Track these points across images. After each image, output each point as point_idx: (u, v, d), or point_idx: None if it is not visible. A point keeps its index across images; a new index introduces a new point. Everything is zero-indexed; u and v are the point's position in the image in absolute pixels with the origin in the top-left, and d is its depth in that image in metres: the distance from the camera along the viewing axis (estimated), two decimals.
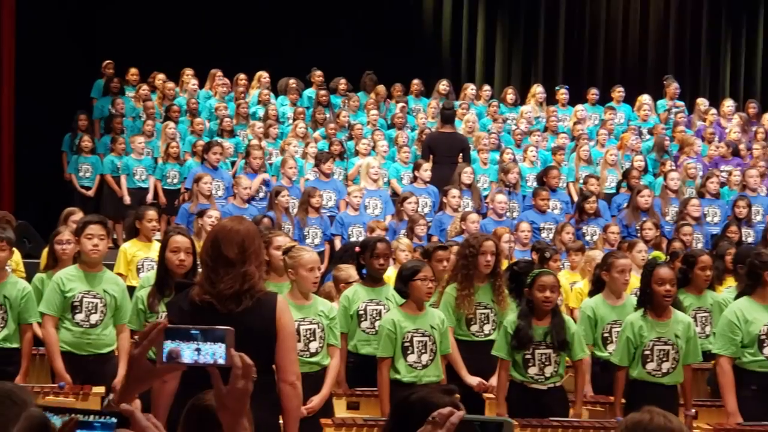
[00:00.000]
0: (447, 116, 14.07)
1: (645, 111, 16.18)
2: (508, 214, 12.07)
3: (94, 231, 7.12)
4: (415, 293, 6.79)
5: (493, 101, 16.30)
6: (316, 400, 6.39)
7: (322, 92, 15.65)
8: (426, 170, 12.91)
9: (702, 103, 16.81)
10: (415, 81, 16.58)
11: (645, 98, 16.44)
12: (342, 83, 16.33)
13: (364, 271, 7.65)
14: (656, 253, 9.49)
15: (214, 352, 2.59)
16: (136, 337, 6.72)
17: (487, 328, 7.54)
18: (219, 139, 13.72)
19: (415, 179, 13.07)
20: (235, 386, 2.62)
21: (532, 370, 6.71)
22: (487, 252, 7.55)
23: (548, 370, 6.71)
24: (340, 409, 6.91)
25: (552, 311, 6.75)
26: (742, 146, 14.89)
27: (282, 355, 4.76)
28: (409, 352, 6.77)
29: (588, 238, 12.04)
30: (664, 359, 6.76)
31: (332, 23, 18.15)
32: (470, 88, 16.64)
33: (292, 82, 15.95)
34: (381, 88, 16.31)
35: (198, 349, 2.58)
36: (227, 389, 2.62)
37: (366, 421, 6.22)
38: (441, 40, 19.57)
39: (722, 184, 13.72)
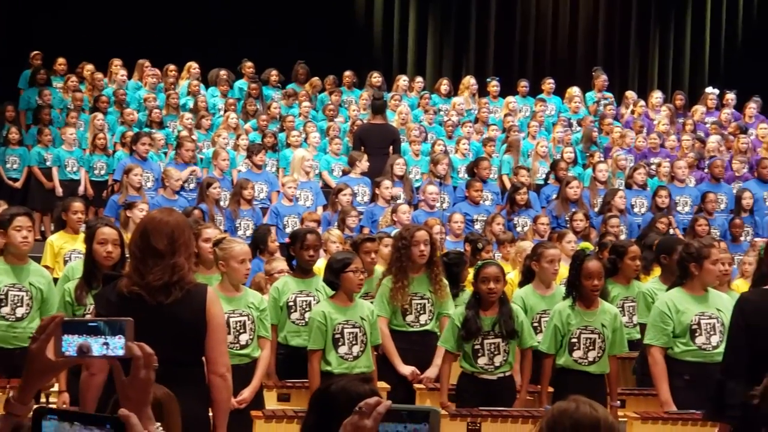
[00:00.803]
0: (377, 107, 14.08)
1: (575, 103, 16.33)
2: (438, 205, 12.12)
3: (22, 223, 7.04)
4: (346, 285, 6.80)
5: (425, 93, 16.33)
6: (246, 393, 6.38)
7: (254, 84, 15.57)
8: (364, 162, 12.91)
9: (630, 95, 17.01)
10: (347, 72, 16.55)
11: (574, 90, 16.59)
12: (274, 74, 16.26)
13: (294, 262, 7.63)
14: (584, 244, 9.56)
15: (121, 345, 2.57)
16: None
17: (423, 318, 7.57)
18: (149, 130, 13.60)
19: (351, 168, 13.08)
20: (136, 376, 2.60)
21: (482, 360, 6.78)
22: (420, 242, 7.56)
23: (497, 360, 6.79)
24: (271, 401, 6.89)
25: (500, 300, 6.84)
26: (671, 138, 15.08)
27: (212, 347, 4.76)
28: (339, 343, 6.78)
29: (519, 229, 12.12)
30: (591, 348, 6.85)
31: (264, 14, 18.06)
32: (402, 80, 16.67)
33: (223, 73, 15.85)
34: (315, 79, 16.27)
35: (106, 343, 2.57)
36: (128, 380, 2.60)
37: (297, 413, 6.21)
38: (373, 31, 19.58)
39: (651, 176, 13.89)
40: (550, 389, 6.93)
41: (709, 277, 6.72)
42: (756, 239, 11.91)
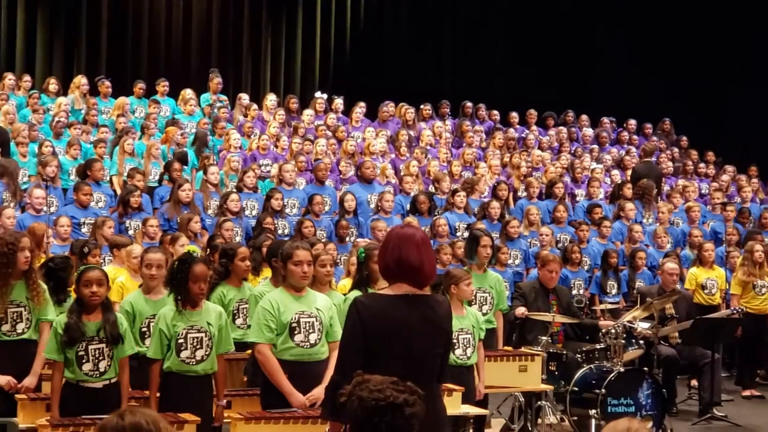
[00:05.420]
0: None
1: (190, 105, 16.35)
2: (45, 209, 11.77)
3: None
4: None
5: (34, 92, 15.80)
6: None
7: None
8: None
9: (243, 97, 17.27)
10: None
11: (188, 92, 16.62)
12: None
13: None
14: (190, 247, 9.61)
15: None
16: None
17: (20, 326, 7.32)
18: None
19: None
20: None
21: (86, 367, 6.65)
22: (26, 248, 7.35)
23: (102, 365, 6.68)
24: None
25: (103, 306, 6.75)
26: (282, 140, 15.40)
27: None
28: None
29: (131, 232, 11.98)
30: (198, 347, 6.85)
31: None
32: (9, 78, 16.04)
33: None
34: None
35: None
36: None
37: None
38: None
39: (262, 178, 14.14)
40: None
41: (292, 278, 6.91)
42: (358, 240, 12.40)
